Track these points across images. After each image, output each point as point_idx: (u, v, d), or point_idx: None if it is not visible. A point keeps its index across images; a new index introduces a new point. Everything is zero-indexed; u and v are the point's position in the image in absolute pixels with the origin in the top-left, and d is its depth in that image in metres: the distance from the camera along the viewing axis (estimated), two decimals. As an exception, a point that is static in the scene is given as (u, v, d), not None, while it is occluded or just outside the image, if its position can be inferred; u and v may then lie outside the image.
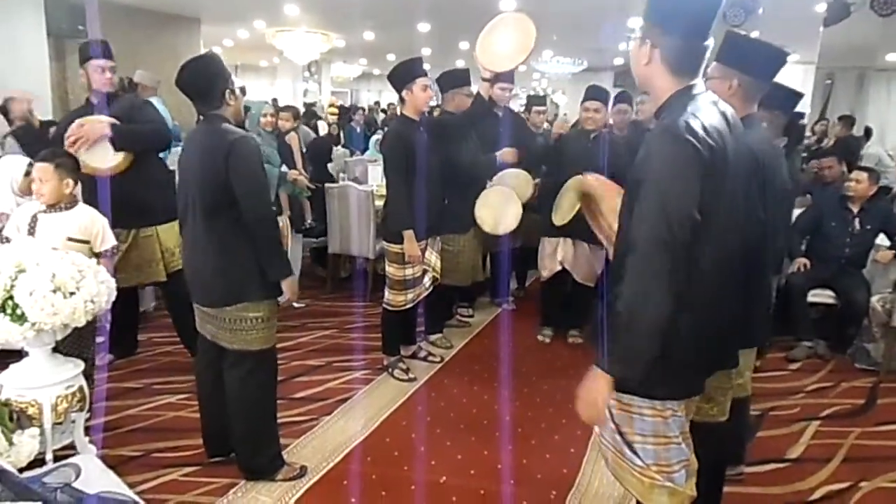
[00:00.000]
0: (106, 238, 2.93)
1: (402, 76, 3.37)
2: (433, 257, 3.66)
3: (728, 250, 1.61)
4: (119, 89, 5.92)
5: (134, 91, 5.86)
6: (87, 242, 2.85)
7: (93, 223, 2.88)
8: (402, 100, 3.45)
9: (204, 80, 2.42)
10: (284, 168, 4.59)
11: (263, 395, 2.59)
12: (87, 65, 3.34)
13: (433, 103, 5.65)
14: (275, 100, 8.63)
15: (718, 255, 1.57)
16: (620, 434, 1.71)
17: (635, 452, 1.69)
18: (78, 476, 2.26)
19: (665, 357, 1.54)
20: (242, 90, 2.59)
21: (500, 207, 3.83)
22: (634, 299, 1.49)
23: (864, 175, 4.17)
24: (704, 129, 1.48)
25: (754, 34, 6.09)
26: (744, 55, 2.03)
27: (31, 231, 2.78)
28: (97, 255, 2.87)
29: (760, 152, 1.95)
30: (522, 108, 7.04)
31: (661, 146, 1.52)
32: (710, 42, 1.59)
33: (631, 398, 1.66)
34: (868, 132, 8.34)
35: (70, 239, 2.78)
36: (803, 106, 8.90)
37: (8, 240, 2.77)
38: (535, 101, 5.41)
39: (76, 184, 2.90)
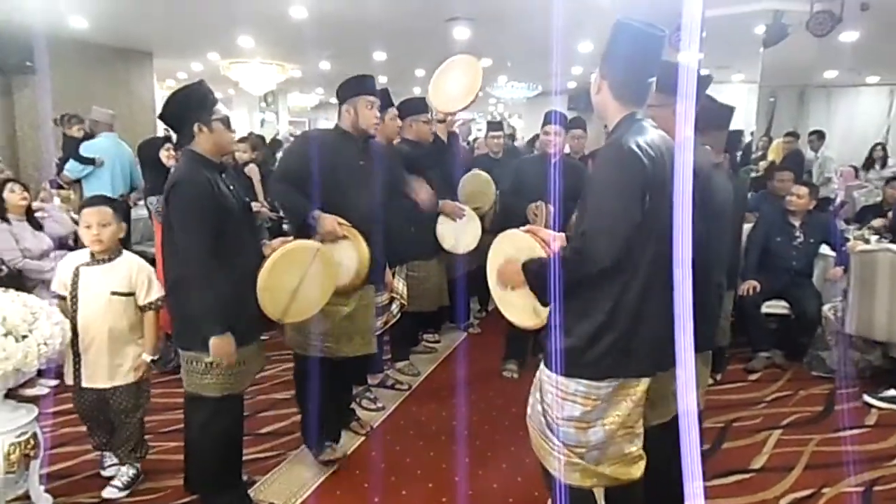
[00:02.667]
0: (152, 289, 2.67)
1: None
2: (400, 285, 3.67)
3: (664, 256, 1.78)
4: (60, 123, 5.84)
5: (71, 127, 5.78)
6: (131, 295, 2.65)
7: (138, 272, 2.65)
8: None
9: (177, 113, 2.38)
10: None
11: (224, 442, 2.50)
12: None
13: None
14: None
15: (658, 258, 1.78)
16: (545, 416, 1.89)
17: (556, 434, 1.87)
18: (33, 528, 2.18)
19: (609, 343, 1.78)
20: (225, 122, 2.41)
21: (460, 226, 3.93)
22: (574, 257, 1.75)
23: (805, 190, 4.35)
24: (647, 143, 1.74)
25: (699, 56, 6.31)
26: (671, 81, 2.11)
27: (74, 287, 2.61)
28: (143, 309, 2.67)
29: (699, 171, 2.04)
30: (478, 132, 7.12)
31: (608, 157, 1.81)
32: (653, 80, 1.83)
33: (567, 383, 1.82)
34: (821, 136, 8.63)
35: (114, 293, 2.60)
36: (748, 123, 9.25)
37: (59, 296, 2.65)
38: (491, 126, 5.52)
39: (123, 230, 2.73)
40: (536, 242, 1.95)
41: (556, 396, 1.86)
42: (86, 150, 5.51)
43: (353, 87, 2.94)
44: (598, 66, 1.87)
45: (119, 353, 2.64)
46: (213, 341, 2.30)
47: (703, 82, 2.25)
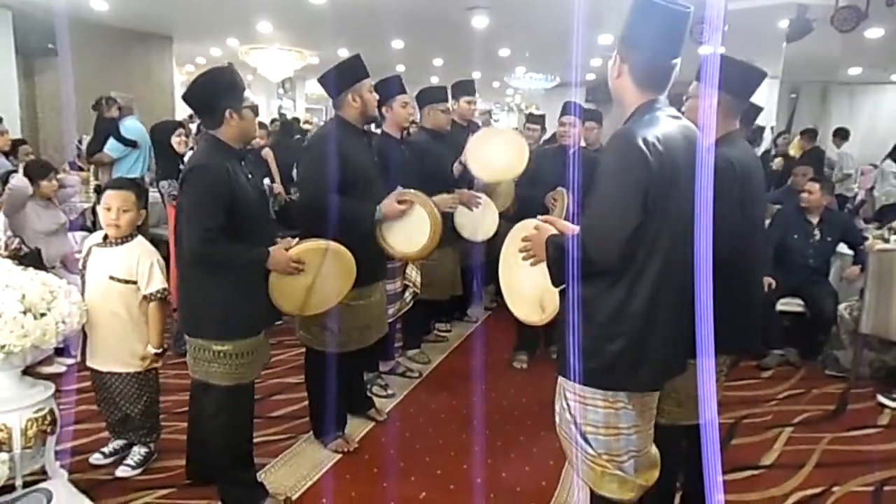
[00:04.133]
0: (153, 279, 2.58)
1: (381, 94, 3.40)
2: (413, 272, 3.69)
3: (677, 256, 1.70)
4: (97, 107, 5.99)
5: (110, 109, 5.88)
6: (133, 283, 2.58)
7: (139, 261, 2.57)
8: (381, 116, 3.49)
9: (206, 97, 2.33)
10: (267, 181, 4.66)
11: (235, 430, 2.49)
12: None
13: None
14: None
15: (667, 259, 1.68)
16: (576, 424, 1.80)
17: (588, 442, 1.79)
18: (49, 501, 2.23)
19: (615, 351, 1.69)
20: (254, 109, 2.41)
21: (477, 214, 3.89)
22: (586, 244, 1.67)
23: (816, 186, 4.29)
24: (656, 137, 1.62)
25: (720, 50, 6.23)
26: (723, 75, 2.06)
27: (84, 266, 2.62)
28: (146, 299, 2.59)
29: (742, 167, 2.02)
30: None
31: (614, 148, 1.70)
32: (677, 61, 1.71)
33: (584, 388, 1.75)
34: (845, 135, 8.54)
35: (112, 278, 2.55)
36: (769, 120, 9.15)
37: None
38: (530, 119, 5.56)
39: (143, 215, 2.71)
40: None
41: (575, 402, 1.78)
42: (125, 131, 5.66)
43: (354, 73, 2.85)
44: (616, 49, 1.75)
45: (119, 341, 2.61)
46: (270, 260, 2.33)
47: (758, 77, 2.18)
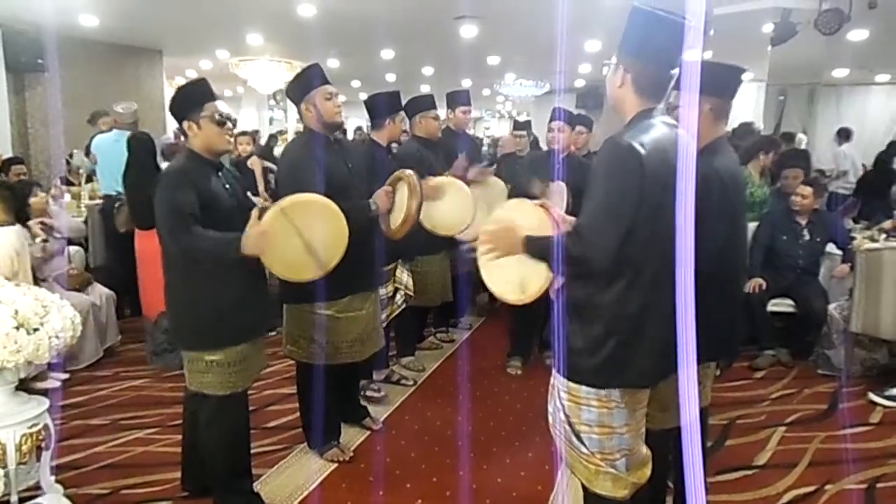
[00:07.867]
0: None
1: (389, 107, 3.50)
2: (405, 276, 3.71)
3: (673, 259, 1.72)
4: (92, 122, 5.93)
5: (96, 123, 5.85)
6: None
7: None
8: (378, 127, 3.54)
9: (173, 110, 2.39)
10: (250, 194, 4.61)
11: (230, 440, 2.50)
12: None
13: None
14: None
15: (664, 262, 1.71)
16: (570, 424, 1.83)
17: (581, 441, 1.83)
18: (45, 516, 2.22)
19: (612, 349, 1.73)
20: (214, 120, 2.34)
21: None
22: (573, 249, 1.69)
23: (809, 190, 4.33)
24: (650, 142, 1.65)
25: (707, 55, 6.31)
26: (707, 79, 2.05)
27: None
28: None
29: (727, 175, 2.05)
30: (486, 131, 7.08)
31: (608, 152, 1.72)
32: (676, 71, 1.77)
33: (579, 388, 1.79)
34: (846, 134, 8.62)
35: None
36: (757, 122, 9.23)
37: None
38: (517, 125, 5.58)
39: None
40: (547, 219, 1.88)
41: (569, 402, 1.82)
42: (93, 146, 5.57)
43: (306, 83, 2.83)
44: (616, 59, 1.79)
45: None
46: (245, 247, 2.22)
47: (737, 74, 2.19)
